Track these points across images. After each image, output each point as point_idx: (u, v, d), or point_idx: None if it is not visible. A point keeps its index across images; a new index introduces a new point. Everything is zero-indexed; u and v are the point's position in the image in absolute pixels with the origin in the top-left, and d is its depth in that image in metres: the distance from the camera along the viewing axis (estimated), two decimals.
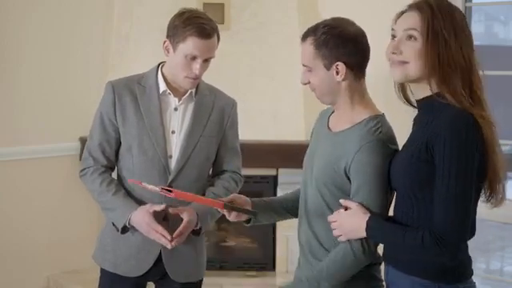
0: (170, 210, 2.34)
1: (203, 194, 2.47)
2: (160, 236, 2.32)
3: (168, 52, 2.39)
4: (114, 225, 2.42)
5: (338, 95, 2.07)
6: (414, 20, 1.86)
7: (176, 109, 2.44)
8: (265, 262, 4.30)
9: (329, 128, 2.13)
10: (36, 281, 4.15)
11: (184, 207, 2.37)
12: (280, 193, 4.08)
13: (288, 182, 3.97)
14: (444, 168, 1.78)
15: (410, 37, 1.85)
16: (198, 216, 2.39)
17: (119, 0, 4.29)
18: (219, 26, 4.39)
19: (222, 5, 4.15)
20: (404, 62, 1.87)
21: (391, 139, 2.01)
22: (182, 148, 2.42)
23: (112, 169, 2.50)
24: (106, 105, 2.44)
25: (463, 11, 3.91)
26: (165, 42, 2.39)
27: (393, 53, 1.89)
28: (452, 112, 1.80)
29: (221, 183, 2.54)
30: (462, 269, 1.90)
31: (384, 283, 2.06)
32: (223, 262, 4.23)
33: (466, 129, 1.77)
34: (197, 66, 2.34)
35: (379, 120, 2.03)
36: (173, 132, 2.43)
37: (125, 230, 2.39)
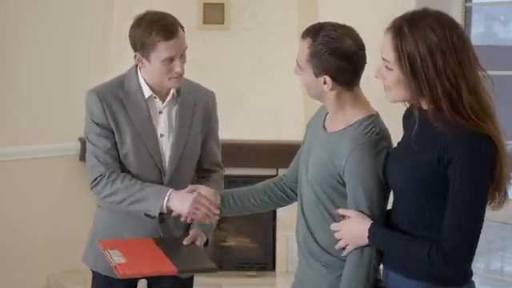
0: (185, 242, 2.38)
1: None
2: (207, 209, 2.28)
3: (142, 63, 2.37)
4: (147, 215, 2.37)
5: (325, 100, 2.08)
6: (386, 48, 1.83)
7: (161, 112, 2.43)
8: (265, 262, 4.30)
9: (324, 128, 2.13)
10: (36, 281, 4.14)
11: (195, 233, 2.42)
12: None
13: None
14: (461, 190, 1.76)
15: (385, 66, 1.85)
16: (206, 234, 2.45)
17: (119, 0, 4.29)
18: (219, 26, 4.41)
19: (222, 5, 4.15)
20: (389, 87, 1.87)
21: (385, 139, 2.01)
22: (173, 150, 2.43)
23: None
24: (97, 115, 2.38)
25: (463, 11, 3.91)
26: (135, 56, 2.37)
27: (377, 77, 1.89)
28: (468, 132, 1.77)
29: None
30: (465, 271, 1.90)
31: (382, 284, 2.06)
32: (223, 262, 4.23)
33: (485, 151, 1.76)
34: (177, 65, 2.34)
35: (373, 120, 2.03)
36: (161, 135, 2.43)
37: (162, 216, 2.36)
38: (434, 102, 1.80)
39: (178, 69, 2.34)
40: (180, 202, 2.30)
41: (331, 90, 2.02)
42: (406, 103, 1.96)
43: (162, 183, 2.41)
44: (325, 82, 2.02)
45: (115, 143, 2.39)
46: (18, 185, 4.04)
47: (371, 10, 3.80)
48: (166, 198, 2.31)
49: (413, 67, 1.78)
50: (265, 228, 4.22)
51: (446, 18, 1.82)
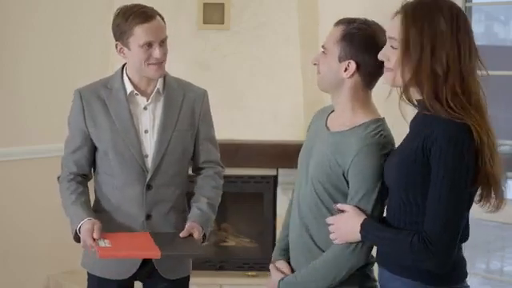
0: (181, 235, 2.35)
1: (185, 193, 2.52)
2: (89, 248, 2.32)
3: (124, 53, 2.40)
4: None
5: (338, 90, 2.06)
6: (393, 28, 1.86)
7: (145, 108, 2.44)
8: (265, 262, 4.27)
9: (327, 127, 2.13)
10: (36, 281, 4.14)
11: (190, 225, 2.39)
12: (280, 193, 4.09)
13: (288, 182, 3.97)
14: (438, 177, 1.78)
15: (391, 45, 1.87)
16: (202, 228, 2.42)
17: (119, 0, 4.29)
18: (219, 26, 4.41)
19: (222, 5, 4.15)
20: (390, 69, 1.89)
21: (390, 143, 2.02)
22: (157, 146, 2.43)
23: (84, 175, 2.52)
24: (74, 113, 2.46)
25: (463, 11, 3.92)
26: (117, 46, 2.40)
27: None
28: (447, 120, 1.79)
29: (208, 183, 2.54)
30: (457, 271, 1.91)
31: (377, 283, 2.07)
32: (223, 262, 4.23)
33: (463, 139, 1.77)
34: (156, 50, 2.35)
35: (380, 124, 2.04)
36: (146, 131, 2.44)
37: (77, 238, 2.39)
38: (418, 83, 1.82)
39: (157, 55, 2.34)
40: (82, 235, 2.33)
41: (350, 77, 2.02)
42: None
43: (145, 178, 2.42)
44: (346, 69, 2.02)
45: (86, 146, 2.46)
46: (19, 185, 4.04)
47: (371, 10, 3.80)
48: (79, 226, 2.36)
49: (412, 45, 1.80)
50: (265, 228, 4.22)
51: (455, 7, 1.85)
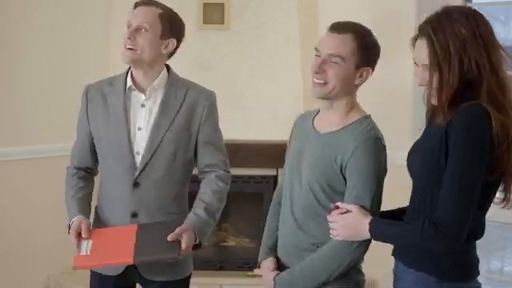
0: (169, 238, 2.26)
1: (182, 195, 2.50)
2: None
3: None
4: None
5: (345, 95, 2.10)
6: (423, 52, 1.87)
7: (143, 105, 2.43)
8: None
9: (314, 129, 2.17)
10: (36, 281, 4.15)
11: (181, 229, 2.30)
12: None
13: None
14: (452, 163, 1.81)
15: (424, 66, 1.88)
16: (195, 234, 2.35)
17: None
18: (219, 26, 4.40)
19: (222, 5, 4.15)
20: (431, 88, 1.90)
21: (382, 138, 2.08)
22: (148, 144, 2.40)
23: (88, 169, 2.55)
24: (81, 109, 2.51)
25: None
26: None
27: (421, 84, 1.93)
28: (465, 106, 1.82)
29: (209, 188, 2.47)
30: (470, 268, 1.94)
31: (365, 278, 2.15)
32: (223, 262, 4.23)
33: (478, 122, 1.79)
34: (126, 33, 2.38)
35: (370, 120, 2.11)
36: (139, 129, 2.42)
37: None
38: (446, 82, 1.84)
39: (126, 35, 2.38)
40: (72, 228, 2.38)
41: (360, 83, 2.10)
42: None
43: (133, 176, 2.40)
44: (361, 75, 2.08)
45: (88, 140, 2.50)
46: (19, 185, 4.04)
47: (371, 10, 3.80)
48: (75, 218, 2.39)
49: (446, 63, 1.83)
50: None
51: (468, 9, 1.91)
